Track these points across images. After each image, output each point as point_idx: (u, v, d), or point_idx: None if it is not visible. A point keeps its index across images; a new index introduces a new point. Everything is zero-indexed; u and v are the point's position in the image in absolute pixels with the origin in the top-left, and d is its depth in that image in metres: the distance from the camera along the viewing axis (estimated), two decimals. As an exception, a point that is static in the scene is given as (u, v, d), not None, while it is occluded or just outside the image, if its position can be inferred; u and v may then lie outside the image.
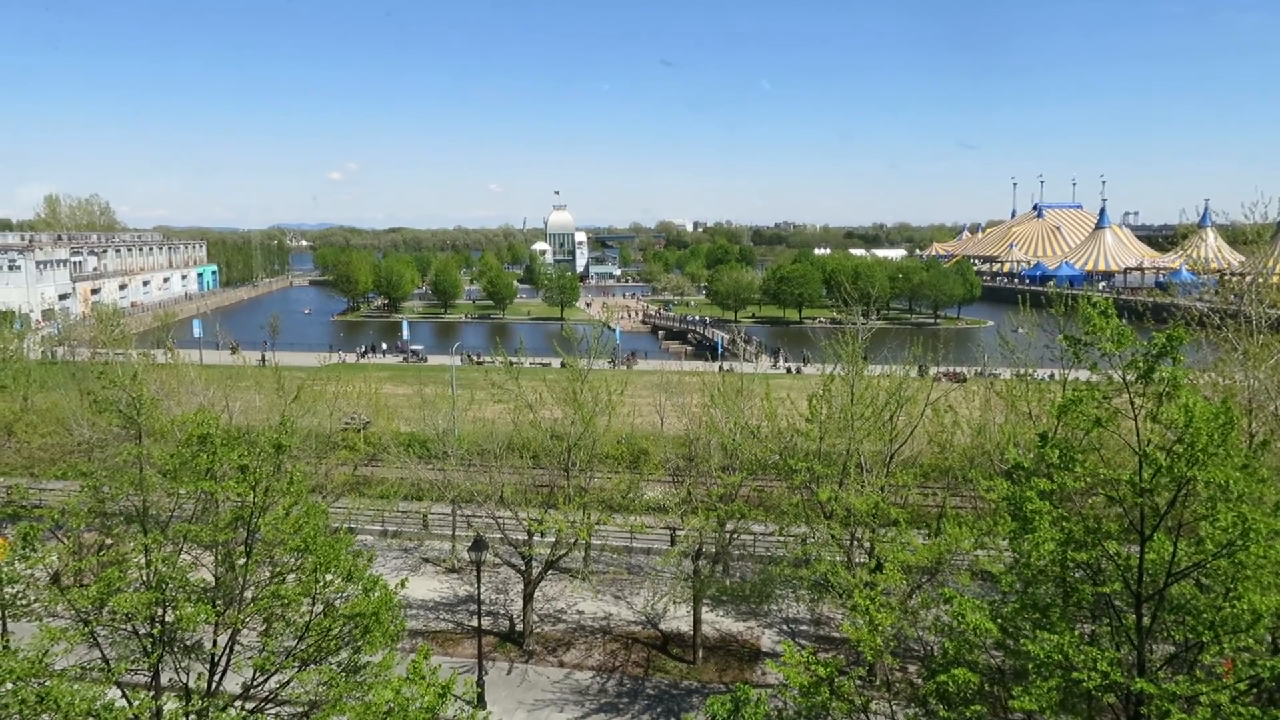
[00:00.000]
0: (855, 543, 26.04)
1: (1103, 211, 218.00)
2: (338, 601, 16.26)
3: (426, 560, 40.03)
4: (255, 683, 16.26)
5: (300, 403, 39.79)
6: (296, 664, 16.07)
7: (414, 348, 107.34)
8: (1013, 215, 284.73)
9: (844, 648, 29.17)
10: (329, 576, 15.94)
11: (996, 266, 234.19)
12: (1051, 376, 31.98)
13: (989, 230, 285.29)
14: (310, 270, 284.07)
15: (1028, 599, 14.43)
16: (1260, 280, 36.72)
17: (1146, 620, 13.77)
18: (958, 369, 69.50)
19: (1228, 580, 12.76)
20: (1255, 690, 13.17)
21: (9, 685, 13.84)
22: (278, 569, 16.22)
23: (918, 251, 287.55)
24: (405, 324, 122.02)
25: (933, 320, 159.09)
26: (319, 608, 16.20)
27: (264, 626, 16.31)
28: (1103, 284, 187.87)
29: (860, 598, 17.87)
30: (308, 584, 15.77)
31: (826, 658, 16.86)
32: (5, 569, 15.25)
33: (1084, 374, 16.63)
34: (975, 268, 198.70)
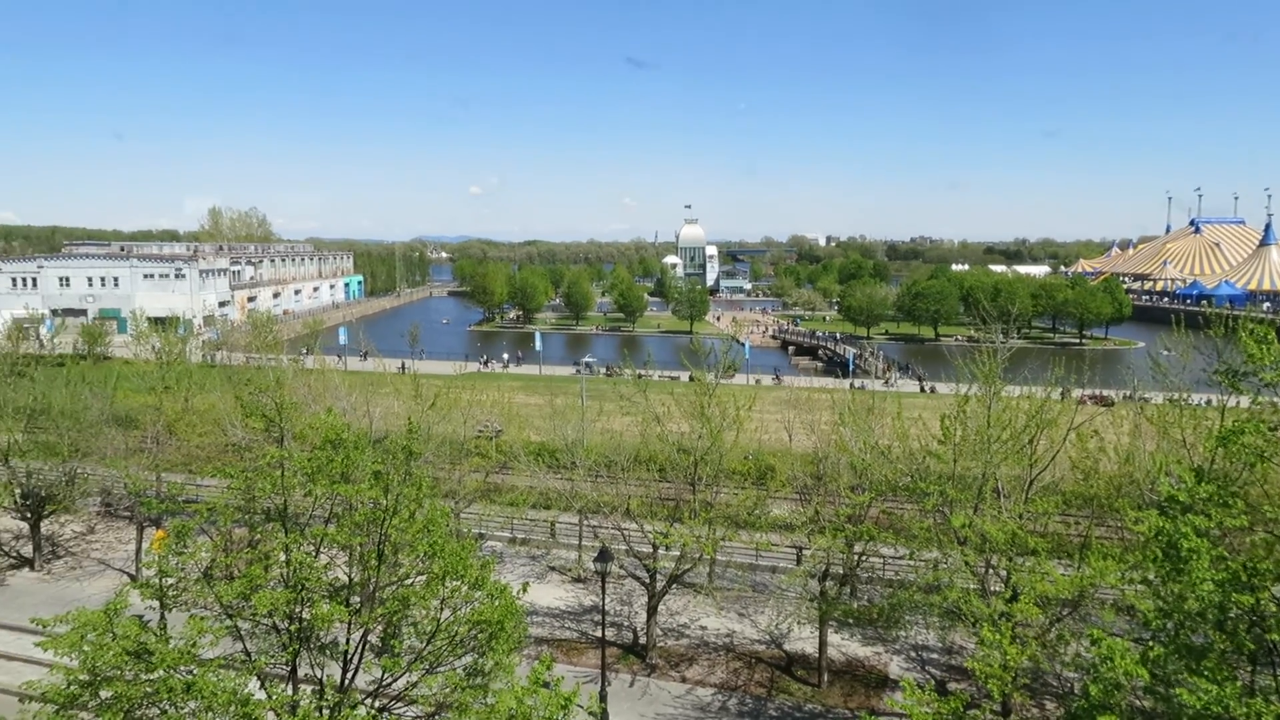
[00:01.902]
0: (990, 570, 25.01)
1: (1268, 227, 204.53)
2: (464, 607, 16.58)
3: (553, 568, 40.54)
4: (384, 682, 16.75)
5: (436, 410, 40.97)
6: (424, 666, 16.48)
7: (588, 360, 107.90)
8: (1167, 231, 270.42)
9: (977, 679, 28.05)
10: (455, 582, 16.29)
11: (1148, 285, 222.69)
12: (1209, 402, 30.05)
13: (1140, 246, 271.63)
14: (449, 281, 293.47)
15: (1182, 642, 13.50)
16: None
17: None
18: (1104, 392, 66.27)
19: None
20: None
21: (160, 673, 14.63)
22: (406, 571, 16.68)
23: (1062, 268, 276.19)
24: (538, 335, 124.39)
25: (1078, 340, 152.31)
26: (446, 612, 16.56)
27: (392, 628, 16.77)
28: (1267, 304, 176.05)
29: (989, 631, 17.11)
30: (434, 588, 16.15)
31: (958, 688, 16.21)
32: (161, 562, 16.12)
33: (1247, 400, 15.54)
34: (1125, 286, 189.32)
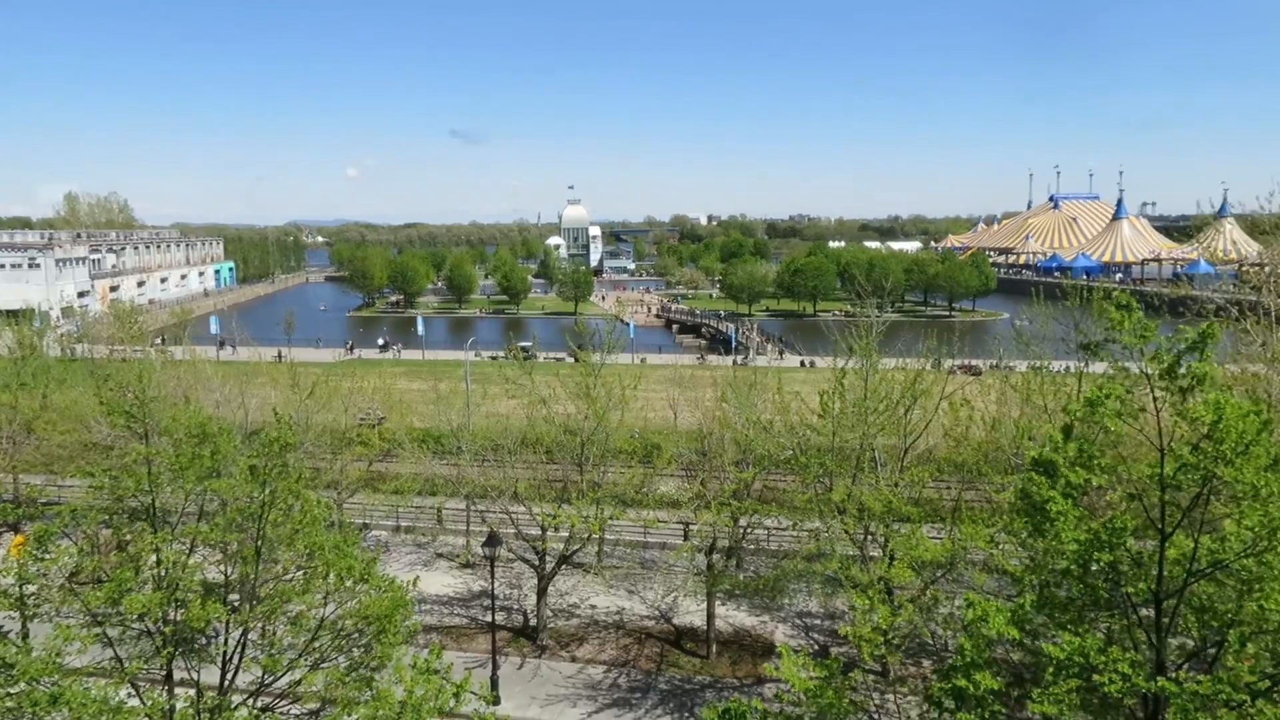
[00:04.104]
0: (869, 538, 25.87)
1: (1120, 202, 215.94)
2: (350, 602, 16.22)
3: (440, 555, 40.07)
4: (266, 681, 16.26)
5: (315, 399, 39.88)
6: (307, 663, 16.05)
7: (524, 344, 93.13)
8: (1029, 207, 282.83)
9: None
10: (336, 575, 15.91)
11: (1012, 258, 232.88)
12: (1067, 369, 31.65)
13: (1005, 222, 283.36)
14: (326, 266, 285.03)
15: (1046, 597, 14.23)
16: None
17: (1166, 619, 13.55)
18: (973, 362, 69.02)
19: (1252, 579, 12.51)
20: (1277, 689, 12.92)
21: (21, 685, 13.86)
22: (284, 567, 16.21)
23: (933, 244, 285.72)
24: (420, 319, 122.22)
25: (948, 313, 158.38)
26: (330, 607, 16.17)
27: (274, 625, 16.30)
28: (1119, 275, 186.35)
29: (859, 597, 17.69)
30: (317, 582, 15.75)
31: (839, 652, 16.70)
32: (21, 569, 15.26)
33: (1102, 366, 16.40)
34: (991, 260, 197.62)
